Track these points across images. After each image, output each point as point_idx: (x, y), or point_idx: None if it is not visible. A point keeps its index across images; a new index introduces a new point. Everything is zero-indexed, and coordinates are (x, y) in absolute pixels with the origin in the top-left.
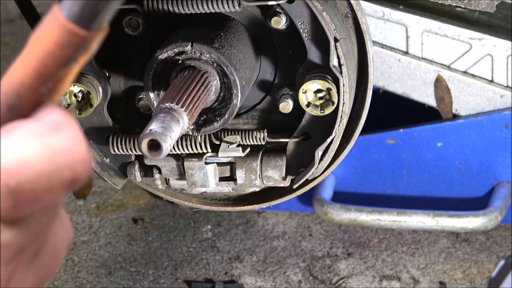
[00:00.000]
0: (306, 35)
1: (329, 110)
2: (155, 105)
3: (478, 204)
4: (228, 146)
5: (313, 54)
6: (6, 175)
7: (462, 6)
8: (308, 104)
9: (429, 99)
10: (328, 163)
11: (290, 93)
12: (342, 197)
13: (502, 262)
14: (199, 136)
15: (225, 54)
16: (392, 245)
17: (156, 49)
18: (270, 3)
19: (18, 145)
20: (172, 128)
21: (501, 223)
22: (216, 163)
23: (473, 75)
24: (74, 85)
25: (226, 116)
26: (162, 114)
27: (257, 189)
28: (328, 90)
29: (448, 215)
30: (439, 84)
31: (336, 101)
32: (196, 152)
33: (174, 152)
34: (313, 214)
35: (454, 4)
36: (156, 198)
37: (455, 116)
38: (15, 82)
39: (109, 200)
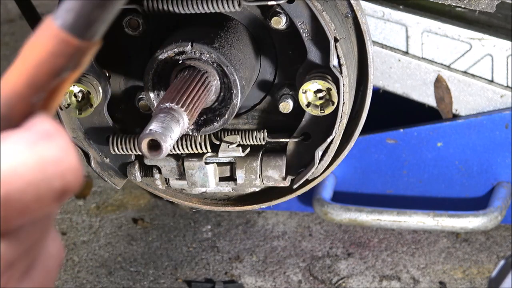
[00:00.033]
0: (306, 35)
1: (329, 110)
2: (155, 105)
3: (478, 204)
4: (228, 146)
5: (313, 54)
6: None
7: (462, 6)
8: (308, 104)
9: (429, 99)
10: (328, 163)
11: (290, 93)
12: (342, 197)
13: (502, 262)
14: (199, 136)
15: (225, 54)
16: (392, 245)
17: (156, 49)
18: (270, 3)
19: (6, 154)
20: (172, 128)
21: (501, 223)
22: (216, 163)
23: (473, 75)
24: (74, 85)
25: (226, 116)
26: (162, 114)
27: (257, 189)
28: (328, 90)
29: (448, 215)
30: (439, 84)
31: (336, 101)
32: (196, 152)
33: (174, 152)
34: (313, 214)
35: (454, 4)
36: (156, 198)
37: (455, 116)
38: (6, 91)
39: (109, 200)
